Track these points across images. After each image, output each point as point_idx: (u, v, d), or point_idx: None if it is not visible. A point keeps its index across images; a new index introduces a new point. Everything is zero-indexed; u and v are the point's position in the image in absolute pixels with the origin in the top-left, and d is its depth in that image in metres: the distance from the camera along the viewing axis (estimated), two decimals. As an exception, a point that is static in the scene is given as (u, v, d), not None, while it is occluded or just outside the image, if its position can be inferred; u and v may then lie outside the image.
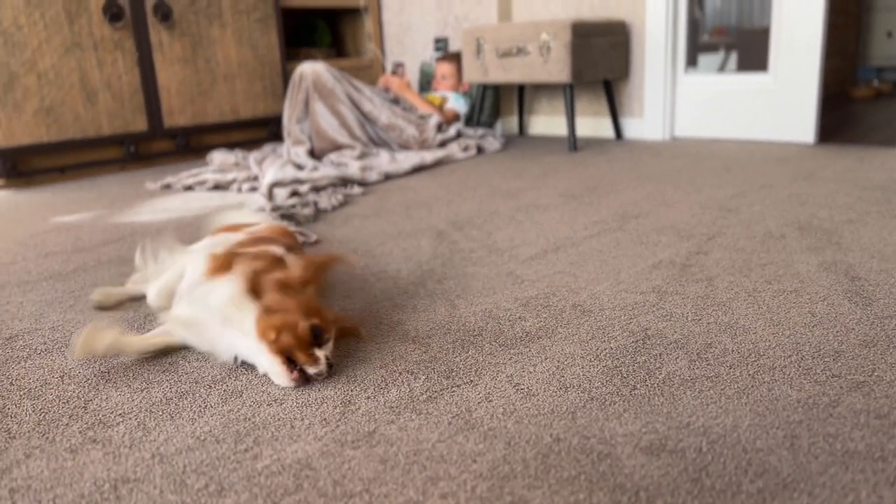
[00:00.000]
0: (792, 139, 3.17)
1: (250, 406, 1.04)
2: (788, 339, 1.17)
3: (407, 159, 3.04)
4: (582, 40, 3.18)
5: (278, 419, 0.99)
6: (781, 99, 3.16)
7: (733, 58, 4.47)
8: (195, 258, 1.31)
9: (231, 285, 1.15)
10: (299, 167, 2.91)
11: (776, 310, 1.30)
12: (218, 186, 2.81)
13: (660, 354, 1.14)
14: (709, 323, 1.25)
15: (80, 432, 0.99)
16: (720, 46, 4.62)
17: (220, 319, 1.14)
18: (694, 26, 3.49)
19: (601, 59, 3.32)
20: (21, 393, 1.12)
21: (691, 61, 3.49)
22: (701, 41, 3.73)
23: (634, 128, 3.59)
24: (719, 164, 2.77)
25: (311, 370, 1.08)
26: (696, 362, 1.10)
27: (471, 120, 3.75)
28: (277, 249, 1.36)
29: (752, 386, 1.02)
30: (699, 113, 3.43)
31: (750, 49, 4.21)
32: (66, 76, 3.14)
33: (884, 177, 2.35)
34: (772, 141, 3.22)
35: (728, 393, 1.00)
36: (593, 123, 3.76)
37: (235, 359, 1.16)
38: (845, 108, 4.48)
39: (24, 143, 3.09)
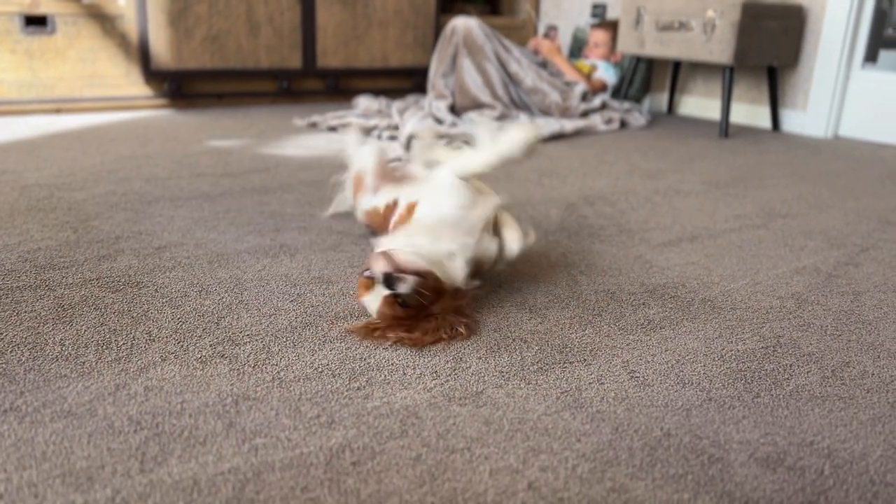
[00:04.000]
0: (976, 154, 2.85)
1: (367, 347, 1.07)
2: (940, 372, 1.07)
3: (546, 125, 2.99)
4: (751, 21, 2.98)
5: (391, 364, 1.02)
6: (971, 108, 2.84)
7: (920, 56, 4.05)
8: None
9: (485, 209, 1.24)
10: (439, 121, 2.94)
11: (930, 338, 1.19)
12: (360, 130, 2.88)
13: (790, 365, 1.07)
14: (849, 340, 1.17)
15: (210, 346, 1.06)
16: (906, 42, 4.19)
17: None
18: (880, 18, 3.18)
19: (769, 44, 3.11)
20: (163, 301, 1.21)
21: (870, 56, 3.20)
22: (885, 35, 3.40)
23: (795, 121, 3.35)
24: (885, 171, 2.54)
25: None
26: (830, 379, 1.03)
27: (618, 92, 3.63)
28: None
29: (890, 415, 0.94)
30: (871, 113, 3.15)
31: (942, 48, 3.80)
32: (234, 6, 3.30)
33: None
34: (951, 153, 2.91)
35: (861, 418, 0.93)
36: (749, 111, 3.54)
37: None
38: None
39: (190, 67, 3.29)
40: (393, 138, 2.73)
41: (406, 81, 3.92)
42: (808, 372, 1.05)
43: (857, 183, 2.33)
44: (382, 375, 0.99)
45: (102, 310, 1.16)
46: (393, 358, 1.04)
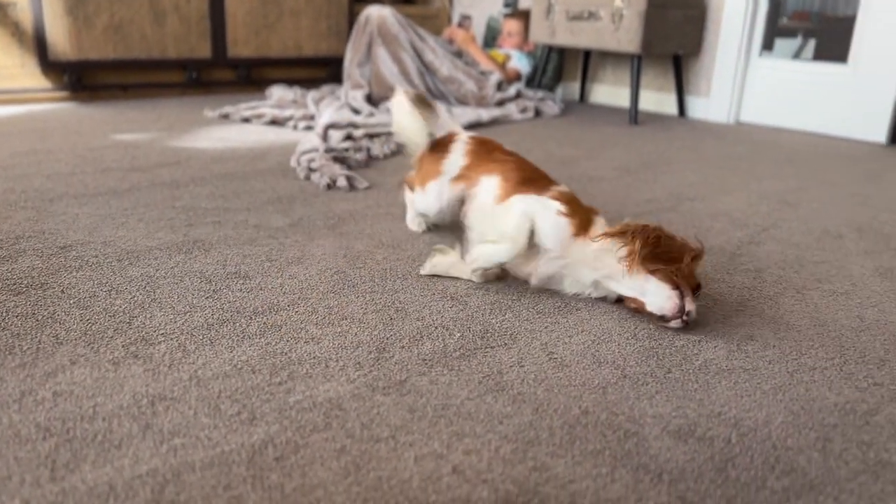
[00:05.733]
0: (863, 137, 3.05)
1: (287, 341, 1.06)
2: (833, 341, 1.14)
3: (463, 115, 3.01)
4: (656, 10, 3.09)
5: (314, 357, 1.01)
6: (858, 93, 3.03)
7: (811, 45, 4.28)
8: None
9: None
10: (356, 111, 2.91)
11: (824, 310, 1.27)
12: (275, 122, 2.83)
13: (699, 341, 1.12)
14: (752, 315, 1.23)
15: (123, 346, 1.02)
16: (799, 32, 4.43)
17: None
18: (775, 8, 3.35)
19: (673, 33, 3.22)
20: (71, 302, 1.16)
21: (767, 45, 3.36)
22: (780, 24, 3.58)
23: (699, 107, 3.49)
24: (783, 155, 2.68)
25: None
26: (735, 353, 1.09)
27: (532, 81, 3.69)
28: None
29: (790, 384, 1.00)
30: (769, 99, 3.32)
31: (830, 37, 4.03)
32: (137, -5, 3.17)
33: (955, 186, 2.25)
34: (841, 137, 3.10)
35: (764, 388, 0.99)
36: (657, 98, 3.66)
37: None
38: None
39: (91, 57, 3.14)
40: (309, 128, 2.70)
41: (321, 71, 3.86)
42: (715, 347, 1.11)
43: (758, 166, 2.45)
44: (304, 369, 0.98)
45: (4, 314, 1.10)
46: (315, 351, 1.03)
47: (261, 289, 1.24)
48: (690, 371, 1.03)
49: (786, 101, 3.26)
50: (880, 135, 3.00)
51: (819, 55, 3.46)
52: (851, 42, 3.04)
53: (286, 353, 1.02)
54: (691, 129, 3.17)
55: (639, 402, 0.94)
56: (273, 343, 1.05)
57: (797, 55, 3.64)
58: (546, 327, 1.15)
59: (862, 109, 3.03)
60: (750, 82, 3.36)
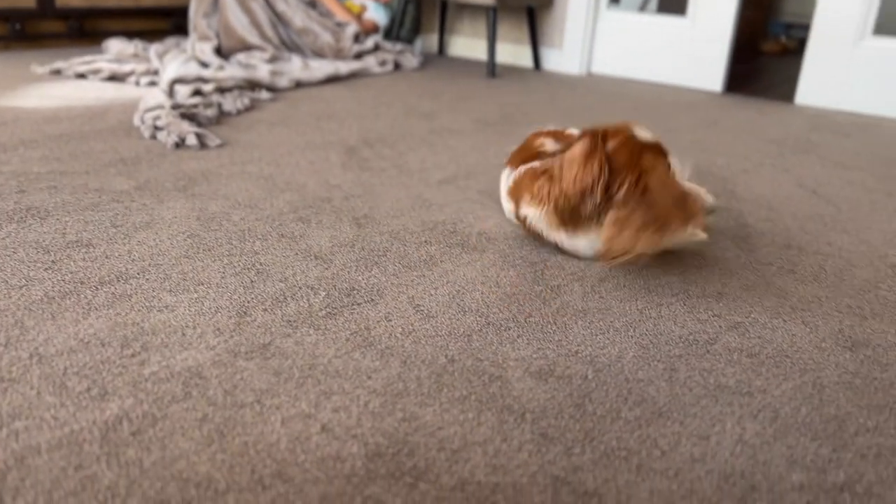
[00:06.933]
0: (702, 86, 3.25)
1: (139, 311, 1.00)
2: (678, 277, 1.23)
3: (320, 68, 2.93)
4: (509, -37, 3.11)
5: (169, 326, 0.96)
6: (696, 45, 3.22)
7: (655, -1, 4.50)
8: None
9: None
10: (204, 65, 2.75)
11: (669, 249, 1.35)
12: (114, 77, 2.63)
13: (557, 286, 1.17)
14: (606, 258, 1.29)
15: (-52, 327, 0.93)
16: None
17: None
18: (621, -38, 3.48)
19: (527, -15, 3.27)
20: None
21: (615, -3, 3.50)
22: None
23: (553, 59, 3.59)
24: (630, 104, 2.82)
25: None
26: (590, 294, 1.14)
27: (390, 33, 3.63)
28: None
29: (640, 320, 1.07)
30: (617, 51, 3.46)
31: (672, -9, 4.24)
32: (-60, -65, 2.81)
33: (781, 131, 2.46)
34: (683, 86, 3.30)
35: (616, 325, 1.05)
36: (513, 51, 3.72)
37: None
38: (753, 61, 4.63)
39: None
40: (153, 84, 2.52)
41: (164, 22, 3.61)
42: (571, 290, 1.16)
43: (609, 115, 2.56)
44: (159, 339, 0.93)
45: None
46: (170, 319, 0.98)
47: (106, 257, 1.16)
48: (549, 314, 1.07)
49: (633, 52, 3.42)
50: (717, 83, 3.21)
51: (663, 8, 3.64)
52: (689, -4, 3.22)
53: (138, 324, 0.96)
54: (546, 81, 3.26)
55: (502, 346, 0.97)
56: (123, 314, 0.99)
57: (643, 8, 3.81)
58: (412, 281, 1.15)
59: (700, 60, 3.23)
60: (599, 35, 3.48)
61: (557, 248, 1.29)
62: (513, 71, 3.49)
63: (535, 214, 1.25)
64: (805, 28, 5.39)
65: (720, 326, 1.06)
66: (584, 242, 1.23)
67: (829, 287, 1.22)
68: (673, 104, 2.87)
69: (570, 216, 1.19)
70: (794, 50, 5.35)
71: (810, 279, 1.25)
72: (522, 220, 1.30)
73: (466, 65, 3.60)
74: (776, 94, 3.24)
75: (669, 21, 3.30)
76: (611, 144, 1.15)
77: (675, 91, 3.19)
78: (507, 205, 1.37)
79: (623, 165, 1.14)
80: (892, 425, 0.84)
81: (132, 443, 0.74)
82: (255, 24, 3.04)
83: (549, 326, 1.03)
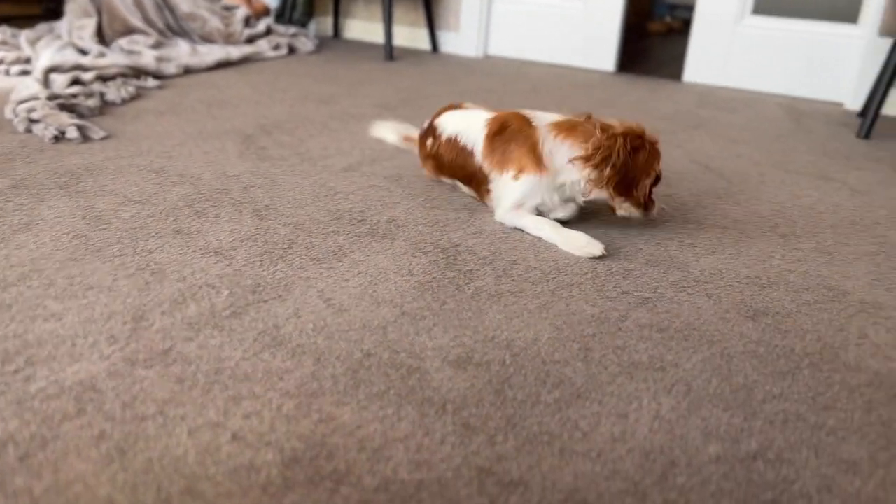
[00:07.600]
0: (595, 67, 3.32)
1: (21, 322, 0.91)
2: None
3: (210, 53, 2.80)
4: (403, -57, 3.06)
5: (56, 336, 0.89)
6: (590, 26, 3.28)
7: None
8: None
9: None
10: (82, 52, 2.57)
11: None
12: (-21, 66, 2.41)
13: (470, 271, 1.16)
14: (515, 241, 1.29)
15: None
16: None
17: None
18: (513, -57, 3.48)
19: (421, -34, 3.23)
20: None
21: (508, -21, 3.51)
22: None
23: (450, 42, 3.57)
24: (528, 86, 2.84)
25: None
26: (503, 278, 1.14)
27: (282, 16, 3.51)
28: None
29: (553, 301, 1.07)
30: (514, 33, 3.48)
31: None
32: None
33: (671, 108, 2.54)
34: (578, 67, 3.36)
35: (530, 307, 1.05)
36: (410, 34, 3.68)
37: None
38: (641, 41, 4.78)
39: None
40: (25, 73, 2.33)
41: (34, 7, 3.35)
42: (484, 274, 1.15)
43: (508, 96, 2.57)
44: (46, 351, 0.86)
45: None
46: (57, 329, 0.90)
47: (-20, 264, 1.06)
48: (463, 300, 1.05)
49: (529, 34, 3.45)
50: (609, 64, 3.29)
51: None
52: (581, -23, 3.27)
53: (21, 336, 0.88)
54: (444, 64, 3.24)
55: (418, 336, 0.95)
56: (3, 325, 0.90)
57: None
58: (321, 273, 1.11)
59: (593, 41, 3.29)
60: (495, 17, 3.49)
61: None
62: (410, 54, 3.46)
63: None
64: (689, 9, 5.61)
65: (629, 303, 1.08)
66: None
67: (727, 259, 1.27)
68: (570, 84, 2.91)
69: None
70: (680, 30, 5.56)
71: (710, 252, 1.29)
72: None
73: (363, 48, 3.54)
74: (665, 73, 3.36)
75: (563, 3, 3.34)
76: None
77: (570, 72, 3.24)
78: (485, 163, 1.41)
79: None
80: (796, 391, 0.88)
81: (20, 469, 0.67)
82: (139, 5, 2.87)
83: (465, 313, 1.02)
